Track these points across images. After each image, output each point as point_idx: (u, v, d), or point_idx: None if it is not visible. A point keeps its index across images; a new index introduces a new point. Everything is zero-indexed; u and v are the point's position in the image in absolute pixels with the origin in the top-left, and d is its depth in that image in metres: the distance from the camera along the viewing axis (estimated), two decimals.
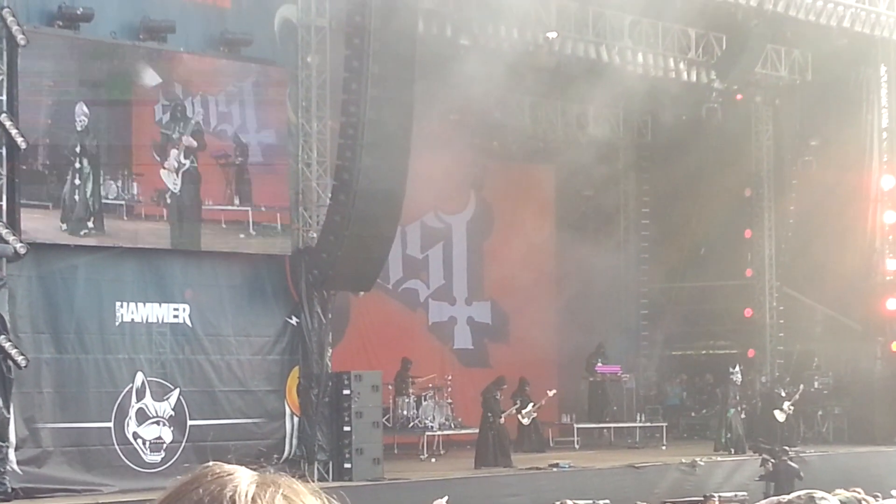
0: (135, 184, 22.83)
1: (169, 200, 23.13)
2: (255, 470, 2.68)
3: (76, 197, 21.92)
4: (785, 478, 26.17)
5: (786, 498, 10.02)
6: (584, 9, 28.74)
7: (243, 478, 2.63)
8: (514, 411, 30.01)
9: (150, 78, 22.98)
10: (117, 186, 22.63)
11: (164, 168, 23.11)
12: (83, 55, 22.35)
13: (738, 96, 33.39)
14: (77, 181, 21.95)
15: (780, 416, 31.95)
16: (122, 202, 22.67)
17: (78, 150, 22.03)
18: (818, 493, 6.92)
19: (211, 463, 2.68)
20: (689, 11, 28.73)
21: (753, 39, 31.33)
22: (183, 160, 23.33)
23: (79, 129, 22.03)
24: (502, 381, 28.97)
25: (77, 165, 22.07)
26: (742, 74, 32.34)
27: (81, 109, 22.11)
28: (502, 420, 28.29)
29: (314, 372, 24.14)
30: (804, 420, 33.55)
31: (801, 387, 32.78)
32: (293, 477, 2.72)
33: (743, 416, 31.68)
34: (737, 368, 32.18)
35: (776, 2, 29.77)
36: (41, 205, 21.69)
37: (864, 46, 32.29)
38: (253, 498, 2.59)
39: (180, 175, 23.31)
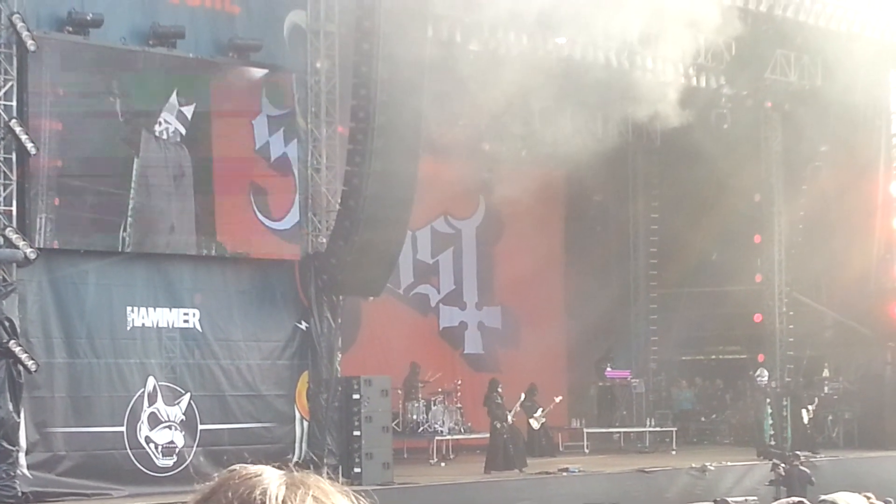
0: None
1: None
2: (279, 469, 2.64)
3: None
4: (797, 483, 26.12)
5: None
6: (593, 14, 28.70)
7: (272, 479, 2.58)
8: (520, 406, 29.71)
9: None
10: None
11: None
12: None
13: (748, 102, 33.31)
14: None
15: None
16: None
17: None
18: (829, 496, 6.90)
19: (237, 465, 2.63)
20: (698, 16, 28.69)
21: (763, 44, 31.31)
22: None
23: None
24: (496, 383, 28.70)
25: None
26: (751, 80, 32.31)
27: None
28: (510, 420, 28.14)
29: (324, 376, 24.15)
30: (815, 425, 33.50)
31: (816, 400, 32.81)
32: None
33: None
34: (760, 371, 32.15)
35: (786, 6, 29.75)
36: None
37: (874, 51, 32.22)
38: (283, 500, 2.55)
39: None
